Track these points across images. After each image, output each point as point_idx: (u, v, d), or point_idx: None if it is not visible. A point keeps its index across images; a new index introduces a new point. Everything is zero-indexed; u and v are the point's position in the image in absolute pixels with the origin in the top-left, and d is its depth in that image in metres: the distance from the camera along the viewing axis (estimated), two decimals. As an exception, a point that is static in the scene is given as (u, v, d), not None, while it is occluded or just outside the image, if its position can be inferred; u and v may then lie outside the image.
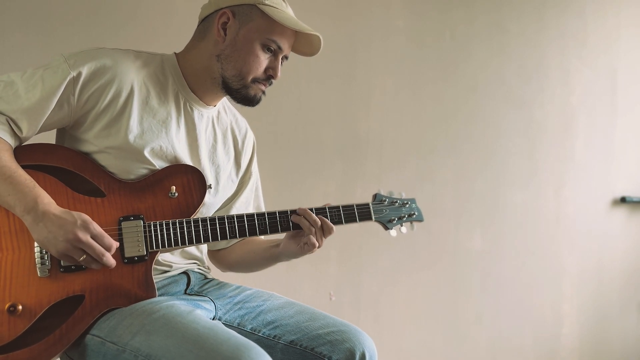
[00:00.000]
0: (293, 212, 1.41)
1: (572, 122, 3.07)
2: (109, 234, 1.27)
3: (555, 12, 3.04)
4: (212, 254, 1.64)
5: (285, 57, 1.44)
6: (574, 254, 3.09)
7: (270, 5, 1.36)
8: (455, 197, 2.85)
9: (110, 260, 1.21)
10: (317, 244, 1.39)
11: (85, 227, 1.17)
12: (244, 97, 1.41)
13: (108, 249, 1.21)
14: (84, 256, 1.19)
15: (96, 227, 1.19)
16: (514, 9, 2.96)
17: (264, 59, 1.38)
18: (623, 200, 3.13)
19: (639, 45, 3.20)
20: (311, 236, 1.39)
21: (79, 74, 1.28)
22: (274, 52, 1.39)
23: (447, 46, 2.82)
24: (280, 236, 1.48)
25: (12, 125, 1.26)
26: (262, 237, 1.60)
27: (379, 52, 2.69)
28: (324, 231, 1.41)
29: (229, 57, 1.38)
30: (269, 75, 1.41)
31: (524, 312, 3.00)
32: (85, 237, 1.17)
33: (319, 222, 1.40)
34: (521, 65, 2.97)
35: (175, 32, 2.27)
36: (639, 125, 3.22)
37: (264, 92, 1.43)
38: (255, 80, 1.39)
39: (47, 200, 1.19)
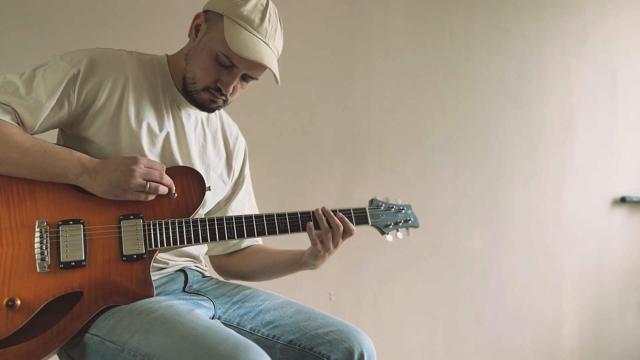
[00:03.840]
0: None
1: (571, 121, 3.07)
2: (109, 232, 1.28)
3: (555, 12, 3.04)
4: (217, 262, 1.63)
5: (250, 77, 1.39)
6: (574, 254, 3.09)
7: (234, 20, 1.32)
8: (455, 197, 2.85)
9: (168, 179, 1.31)
10: (330, 247, 1.40)
11: (135, 161, 1.26)
12: (196, 102, 1.40)
13: (161, 170, 1.30)
14: (148, 184, 1.27)
15: (143, 158, 1.28)
16: (514, 8, 2.96)
17: (213, 70, 1.35)
18: (623, 200, 3.13)
19: (639, 45, 3.20)
20: (325, 238, 1.39)
21: (79, 71, 1.30)
22: (229, 67, 1.36)
23: (447, 46, 2.82)
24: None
25: (17, 118, 1.27)
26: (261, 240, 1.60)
27: (378, 52, 2.69)
28: (345, 232, 1.41)
29: (191, 59, 1.38)
30: (219, 87, 1.37)
31: (524, 312, 3.00)
32: (141, 168, 1.26)
33: (341, 226, 1.40)
34: (521, 64, 2.97)
35: (174, 31, 2.28)
36: (639, 125, 3.22)
37: (214, 102, 1.39)
38: (205, 89, 1.37)
39: (88, 158, 1.27)
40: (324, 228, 1.40)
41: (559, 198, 3.05)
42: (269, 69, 1.35)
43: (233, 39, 1.31)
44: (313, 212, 1.41)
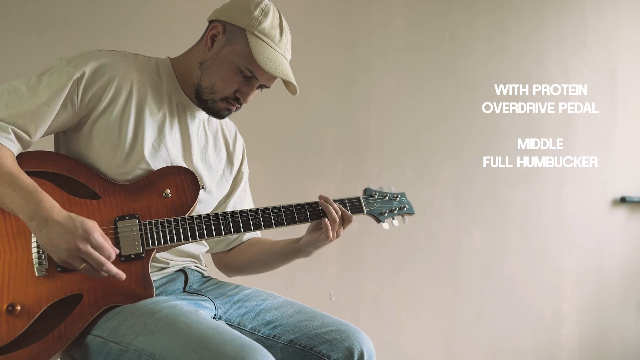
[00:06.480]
0: (311, 204, 1.44)
1: (571, 121, 3.07)
2: (106, 233, 1.27)
3: (555, 11, 3.04)
4: (218, 259, 1.65)
5: (265, 86, 1.45)
6: (574, 254, 3.09)
7: (258, 37, 1.37)
8: (455, 197, 2.85)
9: (111, 269, 1.21)
10: (331, 235, 1.41)
11: (86, 237, 1.17)
12: (210, 110, 1.44)
13: (108, 259, 1.21)
14: (84, 264, 1.19)
15: (97, 238, 1.19)
16: (514, 8, 2.96)
17: (235, 82, 1.40)
18: (623, 200, 3.13)
19: (639, 44, 3.20)
20: (328, 226, 1.41)
21: (83, 74, 1.31)
22: (249, 78, 1.40)
23: (446, 45, 2.83)
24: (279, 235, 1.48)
25: (19, 131, 1.27)
26: (259, 232, 1.61)
27: (379, 52, 2.70)
28: (344, 220, 1.44)
29: (208, 69, 1.40)
30: (237, 97, 1.42)
31: (524, 312, 3.00)
32: (85, 247, 1.17)
33: (339, 211, 1.43)
34: (521, 64, 2.97)
35: (175, 33, 2.28)
36: (639, 125, 3.22)
37: (229, 110, 1.44)
38: (224, 99, 1.41)
39: (49, 205, 1.19)
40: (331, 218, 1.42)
41: (559, 198, 3.05)
42: (292, 82, 1.40)
43: (261, 56, 1.35)
44: (308, 205, 1.43)
